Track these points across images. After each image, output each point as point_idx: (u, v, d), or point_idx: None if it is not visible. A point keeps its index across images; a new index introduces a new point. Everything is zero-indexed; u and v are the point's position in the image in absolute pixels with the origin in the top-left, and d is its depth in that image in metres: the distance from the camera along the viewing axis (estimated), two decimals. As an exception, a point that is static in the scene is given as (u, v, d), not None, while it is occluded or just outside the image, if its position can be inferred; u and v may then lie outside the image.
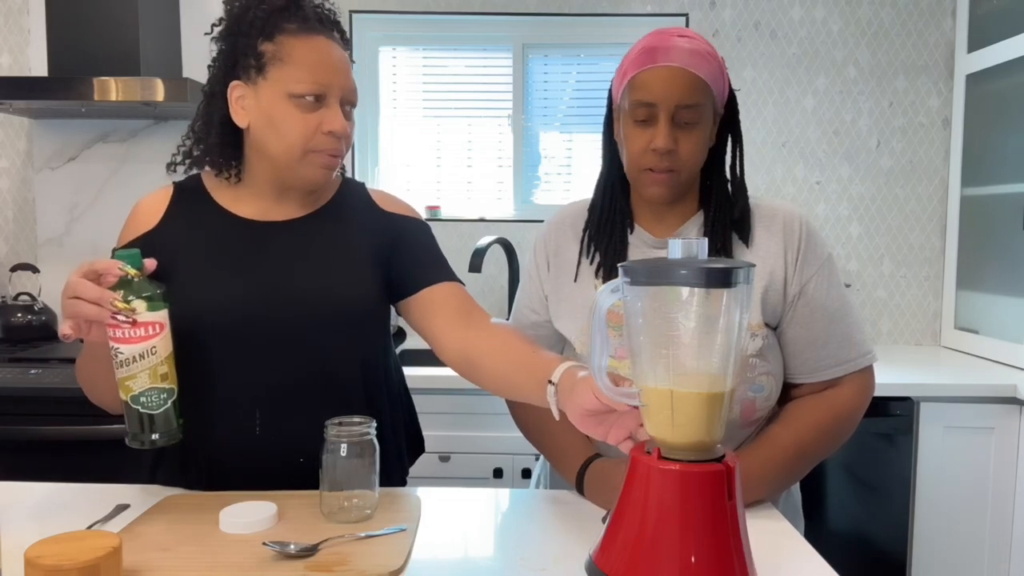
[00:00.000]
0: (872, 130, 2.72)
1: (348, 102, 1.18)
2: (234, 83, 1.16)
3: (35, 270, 2.68)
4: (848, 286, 2.52)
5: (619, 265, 0.91)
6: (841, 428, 1.19)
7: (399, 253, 1.26)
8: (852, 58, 2.71)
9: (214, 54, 1.19)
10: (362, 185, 1.34)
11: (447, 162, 2.88)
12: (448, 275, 1.27)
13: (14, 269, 2.66)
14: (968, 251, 2.58)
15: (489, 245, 2.45)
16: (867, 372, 1.21)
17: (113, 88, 2.26)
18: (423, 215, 2.78)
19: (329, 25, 1.19)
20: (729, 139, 1.23)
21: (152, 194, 1.25)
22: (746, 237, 1.19)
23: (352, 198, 1.30)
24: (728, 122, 1.21)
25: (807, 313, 1.18)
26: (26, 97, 2.33)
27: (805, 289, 1.17)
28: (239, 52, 1.15)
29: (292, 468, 1.18)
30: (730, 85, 1.20)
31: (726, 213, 1.19)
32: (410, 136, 2.88)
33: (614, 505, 0.93)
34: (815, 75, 2.72)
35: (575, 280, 1.26)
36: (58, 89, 2.30)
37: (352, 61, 1.22)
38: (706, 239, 0.92)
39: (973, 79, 2.54)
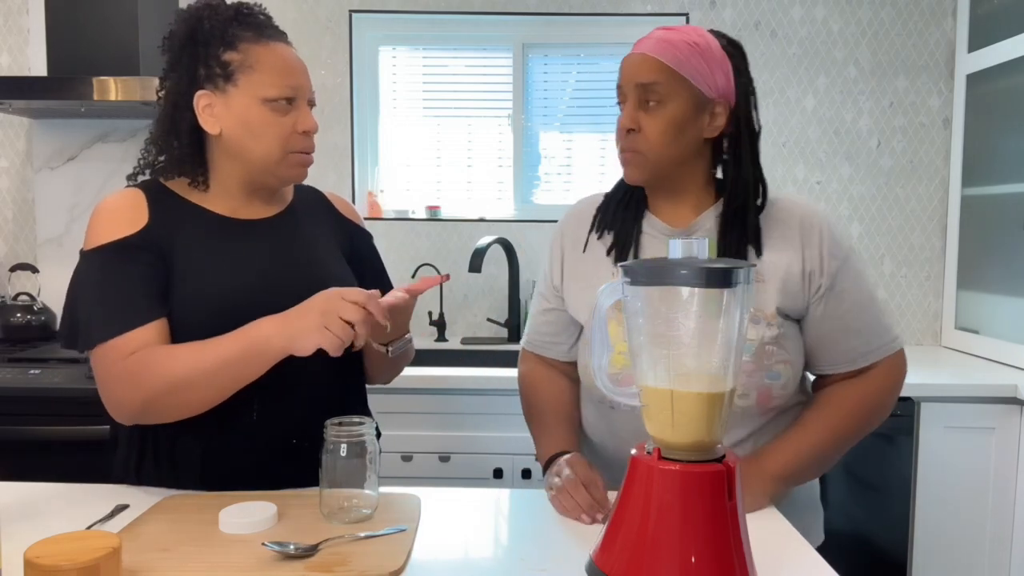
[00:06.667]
0: (872, 130, 2.72)
1: (311, 102, 1.25)
2: (200, 92, 1.18)
3: (35, 270, 2.68)
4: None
5: (619, 265, 0.91)
6: (875, 410, 1.23)
7: (352, 260, 1.35)
8: (852, 58, 2.71)
9: (164, 67, 1.22)
10: (315, 189, 1.41)
11: (447, 162, 2.88)
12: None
13: (14, 269, 2.66)
14: (968, 251, 2.57)
15: (489, 245, 2.45)
16: (899, 354, 1.25)
17: (112, 88, 2.26)
18: (423, 215, 2.81)
19: (278, 30, 1.23)
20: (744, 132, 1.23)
21: (118, 197, 1.22)
22: (760, 231, 1.20)
23: (310, 201, 1.37)
24: (740, 114, 1.21)
25: (838, 305, 1.20)
26: (26, 97, 2.34)
27: (835, 283, 1.19)
28: (200, 62, 1.18)
29: (285, 447, 1.22)
30: (742, 78, 1.20)
31: (741, 205, 1.20)
32: (410, 136, 2.87)
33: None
34: (815, 75, 2.72)
35: (584, 251, 1.30)
36: (58, 89, 2.30)
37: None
38: (706, 239, 0.91)
39: (973, 79, 2.53)
